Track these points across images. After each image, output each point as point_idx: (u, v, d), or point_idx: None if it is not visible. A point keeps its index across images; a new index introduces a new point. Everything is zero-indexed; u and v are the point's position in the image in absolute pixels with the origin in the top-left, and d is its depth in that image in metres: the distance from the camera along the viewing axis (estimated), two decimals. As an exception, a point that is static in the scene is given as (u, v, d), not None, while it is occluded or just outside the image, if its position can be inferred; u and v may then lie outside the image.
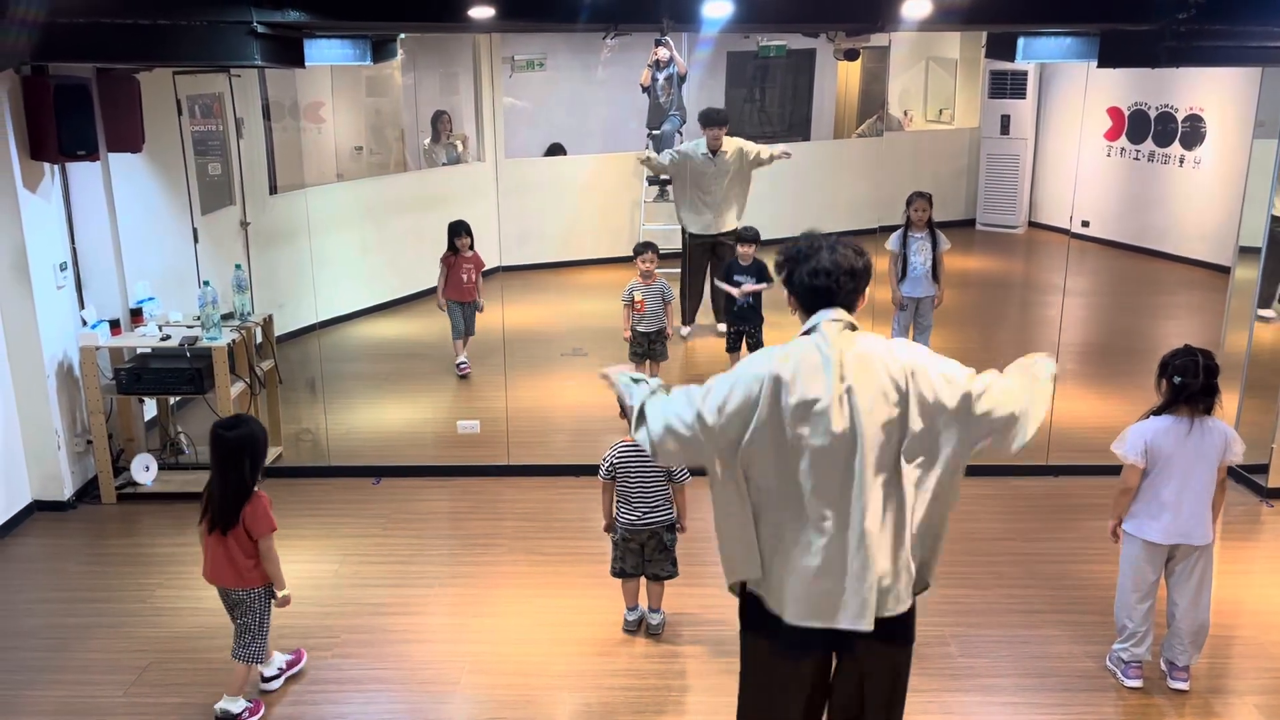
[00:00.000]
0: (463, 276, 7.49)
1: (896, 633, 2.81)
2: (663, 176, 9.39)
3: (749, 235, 7.28)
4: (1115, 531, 4.13)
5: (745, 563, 2.82)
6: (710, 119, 7.99)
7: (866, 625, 2.72)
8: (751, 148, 8.10)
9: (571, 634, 4.52)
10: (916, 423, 2.68)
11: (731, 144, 8.04)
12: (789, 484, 2.71)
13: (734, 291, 7.17)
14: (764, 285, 7.13)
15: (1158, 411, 3.99)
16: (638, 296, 6.91)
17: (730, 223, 8.08)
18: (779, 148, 8.21)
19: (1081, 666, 4.26)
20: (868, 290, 2.83)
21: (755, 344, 7.39)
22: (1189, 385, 3.89)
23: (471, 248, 7.51)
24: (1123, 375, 7.62)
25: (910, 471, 2.72)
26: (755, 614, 2.87)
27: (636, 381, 2.92)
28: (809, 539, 2.72)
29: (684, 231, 8.29)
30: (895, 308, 7.24)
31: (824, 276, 2.72)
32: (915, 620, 2.88)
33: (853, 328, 2.77)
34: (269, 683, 4.15)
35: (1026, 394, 2.76)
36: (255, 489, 3.89)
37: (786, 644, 2.82)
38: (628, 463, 4.32)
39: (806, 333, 2.78)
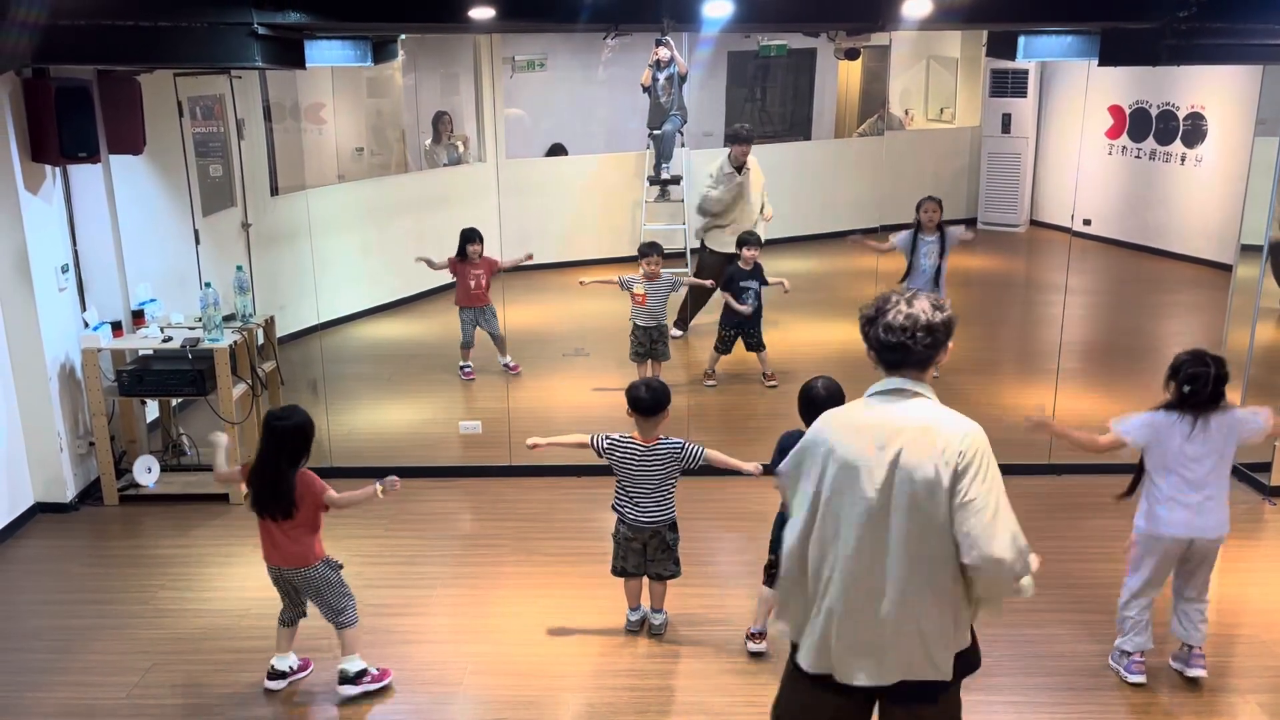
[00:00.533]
0: (470, 283, 7.46)
1: (935, 692, 2.80)
2: (664, 178, 9.41)
3: (750, 239, 7.28)
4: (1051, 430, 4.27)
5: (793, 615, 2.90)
6: (738, 136, 8.07)
7: (884, 681, 2.75)
8: (761, 180, 8.16)
9: (574, 635, 4.52)
10: (956, 499, 2.63)
11: (754, 163, 8.06)
12: (830, 538, 2.75)
13: (740, 308, 7.23)
14: (750, 300, 7.18)
15: (1166, 406, 4.03)
16: (638, 290, 6.91)
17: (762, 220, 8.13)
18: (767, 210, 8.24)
19: (1084, 665, 4.26)
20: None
21: (755, 344, 7.38)
22: (1198, 394, 3.94)
23: (481, 255, 7.47)
24: (1125, 374, 7.61)
25: (943, 549, 2.68)
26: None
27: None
28: (840, 594, 2.74)
29: (702, 245, 8.29)
30: None
31: (898, 333, 2.69)
32: (956, 684, 2.86)
33: (918, 395, 2.73)
34: (275, 681, 4.15)
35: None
36: (299, 469, 3.95)
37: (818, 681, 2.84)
38: (620, 458, 4.32)
39: (872, 394, 2.79)
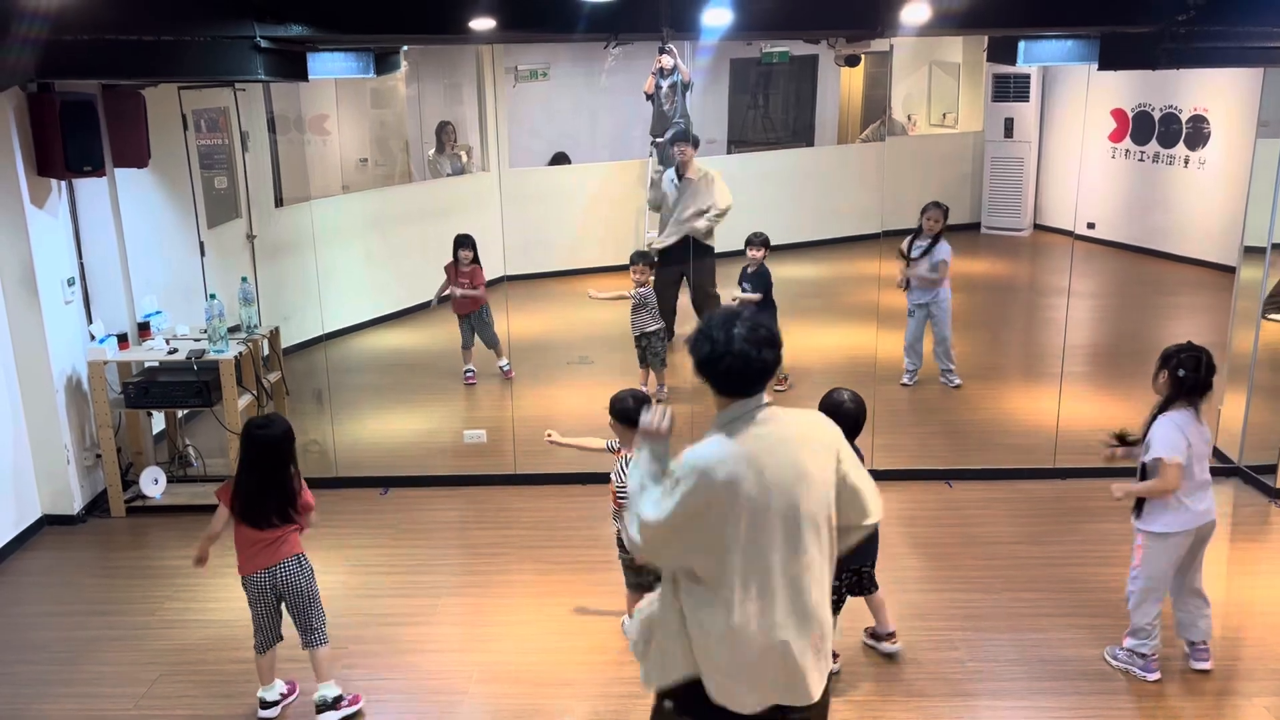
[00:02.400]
0: (456, 291, 7.50)
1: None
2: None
3: (757, 240, 7.25)
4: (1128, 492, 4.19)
5: (685, 659, 2.78)
6: (677, 136, 7.92)
7: (811, 697, 2.76)
8: (713, 186, 7.81)
9: (579, 642, 4.52)
10: (833, 499, 2.74)
11: (699, 170, 7.83)
12: (724, 568, 2.69)
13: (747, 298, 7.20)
14: (757, 296, 7.09)
15: (1164, 406, 4.08)
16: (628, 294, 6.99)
17: (693, 232, 7.91)
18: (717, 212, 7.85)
19: (1091, 669, 4.25)
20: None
21: None
22: (1191, 379, 4.03)
23: (473, 261, 7.45)
24: (1129, 377, 7.60)
25: (826, 547, 2.76)
26: (694, 703, 2.79)
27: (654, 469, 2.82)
28: (744, 621, 2.69)
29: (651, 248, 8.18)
30: (907, 316, 7.29)
31: (740, 369, 2.65)
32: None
33: (769, 404, 2.74)
34: (269, 709, 4.08)
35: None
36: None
37: None
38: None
39: (728, 422, 2.72)
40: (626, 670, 4.31)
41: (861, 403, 4.12)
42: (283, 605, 4.06)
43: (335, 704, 4.03)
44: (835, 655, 4.35)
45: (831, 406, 4.07)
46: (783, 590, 2.70)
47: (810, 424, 2.80)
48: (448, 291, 7.59)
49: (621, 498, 4.31)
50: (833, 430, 2.82)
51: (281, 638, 4.13)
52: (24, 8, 4.30)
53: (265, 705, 4.10)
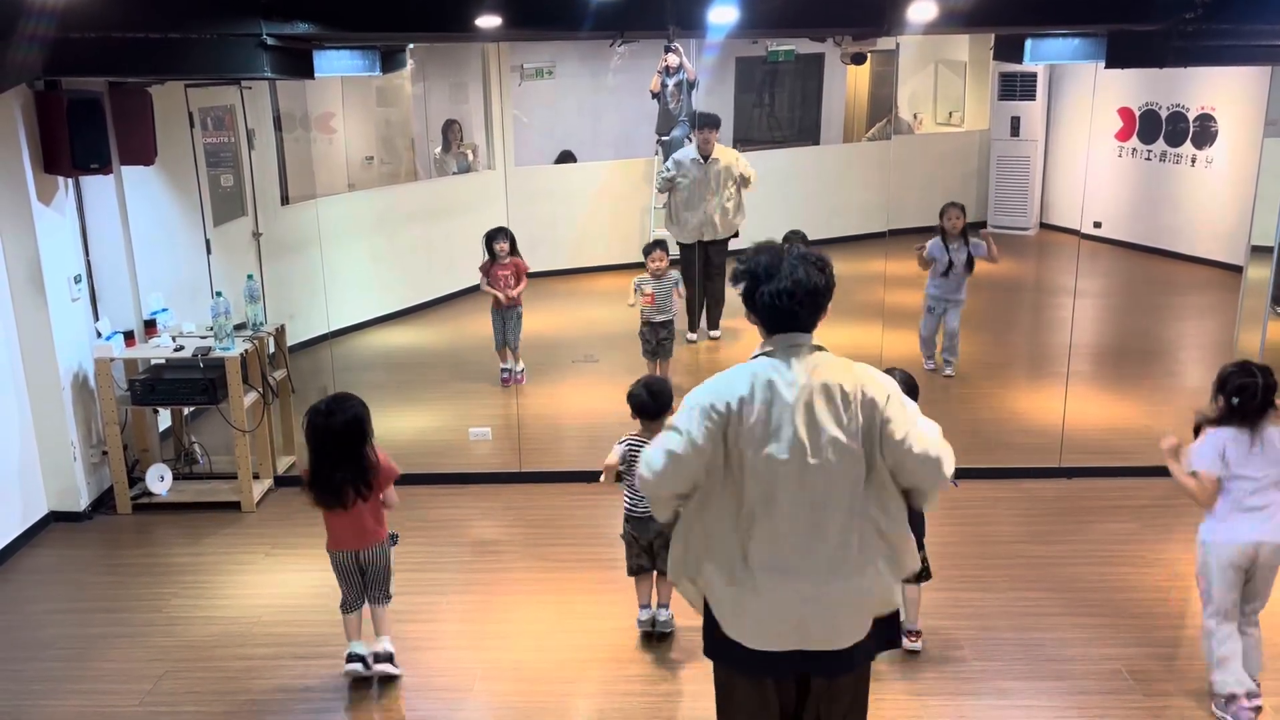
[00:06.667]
0: (499, 294, 7.35)
1: (859, 654, 2.82)
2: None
3: (795, 238, 7.24)
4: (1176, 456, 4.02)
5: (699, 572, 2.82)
6: (702, 121, 8.01)
7: (835, 645, 2.73)
8: (741, 165, 8.05)
9: (584, 640, 4.52)
10: (874, 448, 2.65)
11: (725, 154, 8.04)
12: (751, 505, 2.68)
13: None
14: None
15: (1215, 422, 3.92)
16: (647, 289, 6.96)
17: (722, 231, 8.03)
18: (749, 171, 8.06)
19: (1097, 668, 4.24)
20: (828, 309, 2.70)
21: None
22: (1247, 405, 3.85)
23: (511, 253, 7.32)
24: (1136, 376, 7.59)
25: (873, 495, 2.69)
26: (717, 642, 2.85)
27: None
28: (772, 562, 2.69)
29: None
30: (924, 311, 7.33)
31: (787, 299, 2.60)
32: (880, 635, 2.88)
33: (816, 348, 2.68)
34: (354, 663, 4.20)
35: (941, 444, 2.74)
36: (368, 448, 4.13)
37: (751, 668, 2.82)
38: (629, 457, 4.33)
39: (766, 353, 2.70)
40: (632, 668, 4.32)
41: (914, 383, 3.91)
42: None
43: (392, 658, 4.22)
44: (916, 633, 4.33)
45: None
46: (781, 526, 2.65)
47: (845, 368, 2.66)
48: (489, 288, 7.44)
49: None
50: (870, 379, 2.66)
51: (365, 601, 4.27)
52: (31, 6, 4.32)
53: (352, 659, 4.23)
